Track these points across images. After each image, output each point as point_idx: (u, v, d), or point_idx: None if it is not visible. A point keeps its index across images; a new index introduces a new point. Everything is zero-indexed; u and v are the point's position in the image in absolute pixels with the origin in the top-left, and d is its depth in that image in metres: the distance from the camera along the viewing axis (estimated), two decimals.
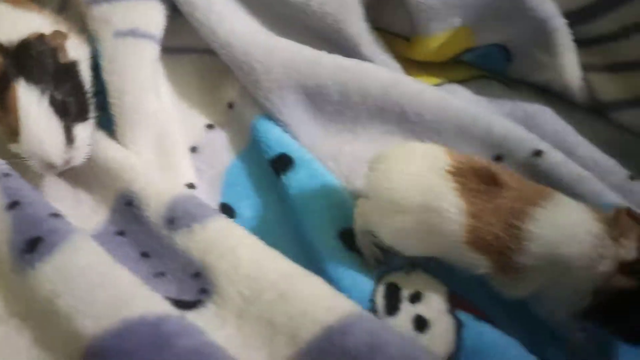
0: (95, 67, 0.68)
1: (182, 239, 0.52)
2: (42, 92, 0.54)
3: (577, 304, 0.49)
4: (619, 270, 0.46)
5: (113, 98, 0.67)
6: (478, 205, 0.49)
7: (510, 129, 0.68)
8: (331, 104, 0.69)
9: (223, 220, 0.55)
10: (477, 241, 0.49)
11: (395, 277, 0.58)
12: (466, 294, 0.57)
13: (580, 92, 0.75)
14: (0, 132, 0.59)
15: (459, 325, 0.54)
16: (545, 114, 0.75)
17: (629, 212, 0.49)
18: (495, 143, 0.68)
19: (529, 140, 0.67)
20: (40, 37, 0.57)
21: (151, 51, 0.69)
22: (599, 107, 0.75)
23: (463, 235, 0.49)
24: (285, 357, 0.40)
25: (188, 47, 0.77)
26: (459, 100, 0.70)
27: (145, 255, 0.56)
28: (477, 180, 0.50)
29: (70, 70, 0.60)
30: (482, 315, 0.55)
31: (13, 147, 0.57)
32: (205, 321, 0.44)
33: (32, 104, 0.54)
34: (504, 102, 0.77)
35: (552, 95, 0.78)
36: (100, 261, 0.45)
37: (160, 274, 0.52)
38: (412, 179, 0.51)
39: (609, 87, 0.74)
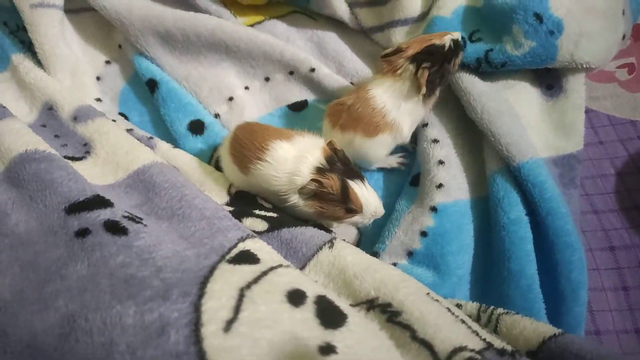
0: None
1: (80, 128, 0.86)
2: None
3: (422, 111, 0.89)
4: (415, 78, 0.83)
5: (37, 48, 1.02)
6: None
7: (295, 53, 1.04)
8: (179, 43, 1.05)
9: (103, 118, 0.89)
10: None
11: None
12: None
13: (351, 21, 1.10)
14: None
15: None
16: (331, 38, 1.11)
17: (384, 55, 0.86)
18: (286, 63, 1.04)
19: (306, 60, 1.04)
20: None
21: (56, 15, 1.03)
22: (365, 30, 1.11)
23: None
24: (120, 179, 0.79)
25: (88, 7, 1.10)
26: (264, 34, 1.06)
27: (57, 136, 0.86)
28: None
29: None
30: None
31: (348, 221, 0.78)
32: (87, 165, 0.80)
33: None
34: (306, 31, 1.13)
35: (340, 23, 1.13)
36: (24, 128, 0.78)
37: (64, 145, 0.84)
38: None
39: (367, 17, 1.09)
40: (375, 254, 0.83)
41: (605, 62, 0.94)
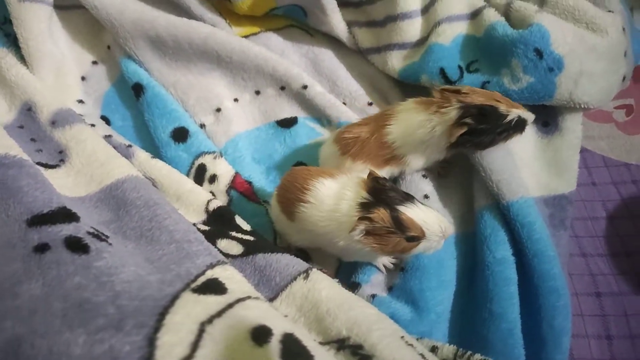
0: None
1: (57, 134, 0.84)
2: None
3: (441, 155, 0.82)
4: (452, 126, 0.75)
5: (21, 43, 0.98)
6: None
7: (288, 68, 1.02)
8: (169, 49, 1.02)
9: (82, 125, 0.86)
10: None
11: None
12: None
13: (348, 40, 1.08)
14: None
15: None
16: (326, 55, 1.09)
17: (443, 89, 0.78)
18: (278, 78, 1.02)
19: (299, 76, 1.01)
20: None
21: (45, 10, 1.00)
22: (361, 51, 1.09)
23: None
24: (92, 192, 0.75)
25: (77, 5, 1.06)
26: (258, 47, 1.03)
27: (33, 140, 0.84)
28: None
29: None
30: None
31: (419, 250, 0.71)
32: (60, 174, 0.77)
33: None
34: (302, 46, 1.11)
35: (336, 41, 1.11)
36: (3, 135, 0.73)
37: (39, 150, 0.81)
38: None
39: (365, 38, 1.07)
40: (356, 285, 0.80)
41: (604, 103, 0.92)
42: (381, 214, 0.65)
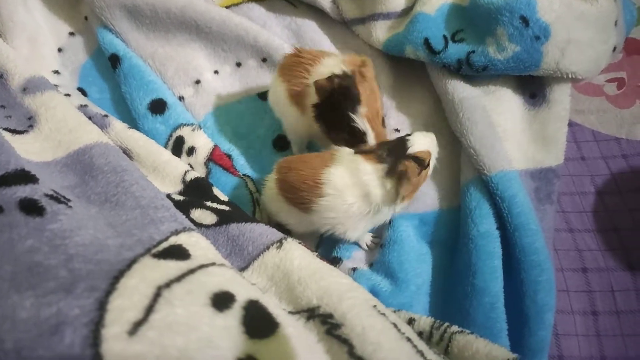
0: None
1: (27, 100, 0.79)
2: None
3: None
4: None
5: None
6: None
7: (270, 39, 0.99)
8: (146, 18, 0.99)
9: (53, 92, 0.82)
10: None
11: None
12: None
13: (332, 11, 1.05)
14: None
15: None
16: (309, 27, 1.06)
17: None
18: (260, 49, 0.99)
19: (281, 47, 0.98)
20: None
21: None
22: (346, 22, 1.06)
23: None
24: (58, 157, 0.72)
25: None
26: (239, 17, 1.00)
27: (2, 107, 0.81)
28: None
29: None
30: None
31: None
32: (27, 140, 0.74)
33: None
34: (284, 17, 1.08)
35: (320, 12, 1.08)
36: None
37: (8, 116, 0.78)
38: None
39: (350, 8, 1.04)
40: (336, 260, 0.78)
41: (593, 74, 0.89)
42: (407, 164, 0.70)
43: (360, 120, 0.73)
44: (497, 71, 0.86)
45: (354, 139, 0.74)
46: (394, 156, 0.70)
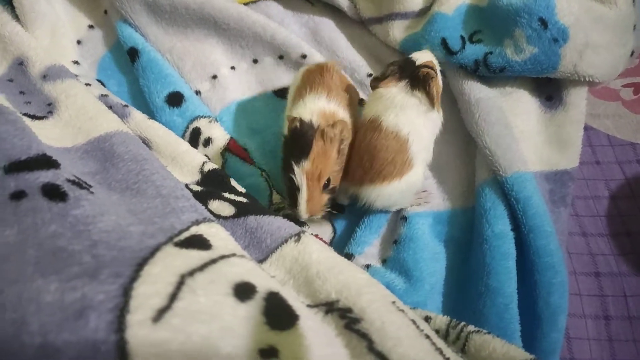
0: None
1: (47, 87, 0.80)
2: None
3: None
4: None
5: (15, 2, 0.96)
6: None
7: (287, 37, 0.99)
8: (166, 13, 0.99)
9: (74, 80, 0.82)
10: None
11: None
12: None
13: (349, 10, 1.05)
14: None
15: None
16: (327, 25, 1.06)
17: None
18: (277, 47, 1.00)
19: (298, 45, 0.99)
20: None
21: None
22: (363, 21, 1.06)
23: None
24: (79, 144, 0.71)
25: None
26: (256, 14, 1.00)
27: (22, 93, 0.81)
28: None
29: None
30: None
31: None
32: (46, 125, 0.74)
33: None
34: (302, 15, 1.08)
35: (338, 11, 1.08)
36: None
37: (28, 102, 0.79)
38: None
39: (367, 7, 1.04)
40: (349, 256, 0.78)
41: (610, 77, 0.89)
42: (424, 70, 0.75)
43: (298, 174, 0.71)
44: (514, 73, 0.86)
45: (289, 189, 0.74)
46: (409, 71, 0.75)
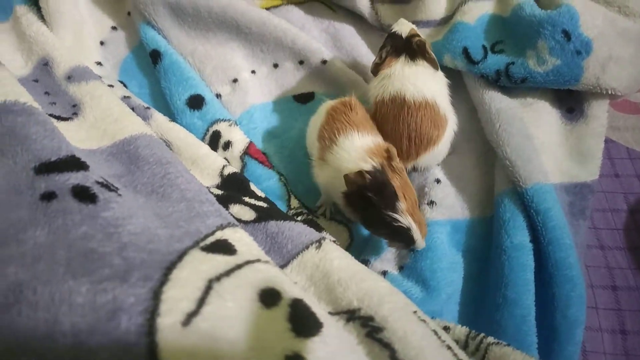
0: None
1: (72, 88, 0.82)
2: None
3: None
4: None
5: (41, 2, 0.98)
6: None
7: (308, 42, 0.99)
8: (188, 16, 1.00)
9: (98, 81, 0.83)
10: None
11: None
12: None
13: (370, 17, 1.06)
14: None
15: None
16: (348, 32, 1.07)
17: None
18: (298, 52, 1.00)
19: (319, 51, 0.99)
20: None
21: None
22: (383, 27, 1.06)
23: None
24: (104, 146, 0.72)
25: None
26: (278, 19, 1.01)
27: (47, 93, 0.83)
28: None
29: None
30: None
31: None
32: (72, 127, 0.75)
33: None
34: (323, 20, 1.09)
35: (358, 17, 1.09)
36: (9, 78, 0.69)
37: (53, 103, 0.80)
38: None
39: (388, 15, 1.05)
40: (365, 262, 0.78)
41: (632, 90, 0.89)
42: (414, 40, 0.82)
43: (403, 218, 0.69)
44: (536, 84, 0.86)
45: (398, 235, 0.71)
46: (401, 45, 0.82)
